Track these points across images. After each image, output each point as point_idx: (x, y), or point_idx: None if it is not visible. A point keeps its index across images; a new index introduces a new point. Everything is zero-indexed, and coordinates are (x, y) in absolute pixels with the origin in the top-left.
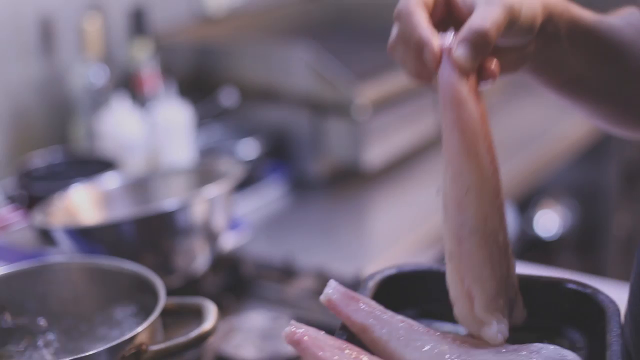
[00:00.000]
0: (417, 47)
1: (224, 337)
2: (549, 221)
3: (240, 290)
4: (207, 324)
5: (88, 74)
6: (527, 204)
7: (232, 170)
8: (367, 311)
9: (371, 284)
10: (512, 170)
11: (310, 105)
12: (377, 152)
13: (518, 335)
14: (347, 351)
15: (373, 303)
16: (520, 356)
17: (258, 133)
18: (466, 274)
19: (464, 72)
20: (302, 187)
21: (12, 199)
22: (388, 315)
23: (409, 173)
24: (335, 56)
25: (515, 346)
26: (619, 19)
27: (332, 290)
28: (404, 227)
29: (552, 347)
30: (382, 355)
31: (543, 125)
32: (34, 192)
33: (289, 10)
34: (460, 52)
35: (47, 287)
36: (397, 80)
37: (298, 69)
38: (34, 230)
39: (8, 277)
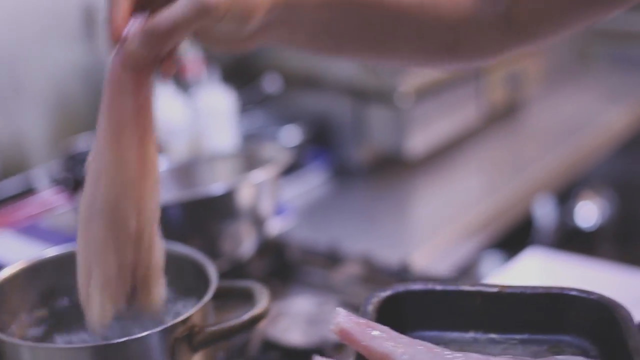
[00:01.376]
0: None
1: (270, 322)
2: (589, 212)
3: (286, 276)
4: (260, 307)
5: None
6: (567, 195)
7: (278, 155)
8: (383, 337)
9: (371, 308)
10: (554, 162)
11: (353, 92)
12: (420, 139)
13: (529, 349)
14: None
15: (387, 328)
16: None
17: (301, 120)
18: (89, 252)
19: (131, 62)
20: (344, 174)
21: (56, 182)
22: (405, 339)
23: (451, 161)
24: None
25: None
26: None
27: (343, 319)
28: (447, 215)
29: (578, 358)
30: None
31: (586, 116)
32: (79, 175)
33: None
34: (131, 43)
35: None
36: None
37: None
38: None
39: (58, 259)
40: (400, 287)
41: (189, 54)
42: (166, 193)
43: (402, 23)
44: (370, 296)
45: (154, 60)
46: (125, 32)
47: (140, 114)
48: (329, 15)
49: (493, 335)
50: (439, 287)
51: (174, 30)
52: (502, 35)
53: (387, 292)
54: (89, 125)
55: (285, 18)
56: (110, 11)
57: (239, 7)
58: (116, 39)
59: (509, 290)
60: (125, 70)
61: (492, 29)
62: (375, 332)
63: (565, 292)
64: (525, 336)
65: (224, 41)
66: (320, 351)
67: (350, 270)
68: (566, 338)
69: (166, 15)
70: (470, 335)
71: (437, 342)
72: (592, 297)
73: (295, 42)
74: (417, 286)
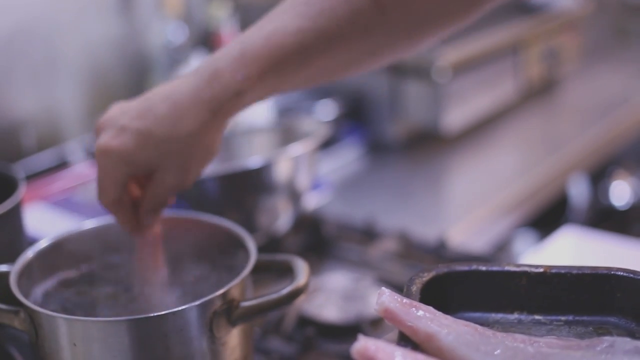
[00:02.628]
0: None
1: (306, 298)
2: (623, 191)
3: (322, 251)
4: (300, 281)
5: (166, 32)
6: (602, 174)
7: (315, 129)
8: (428, 317)
9: (415, 289)
10: (589, 140)
11: (389, 66)
12: (456, 115)
13: (574, 331)
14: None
15: (431, 308)
16: (597, 352)
17: (336, 94)
18: None
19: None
20: (379, 150)
21: (91, 155)
22: (450, 320)
23: (487, 137)
24: None
25: (585, 341)
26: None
27: (388, 298)
28: (483, 192)
29: (625, 339)
30: None
31: (621, 95)
32: None
33: None
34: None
35: (132, 241)
36: (478, 44)
37: None
38: None
39: (93, 232)
40: (444, 268)
41: (226, 27)
42: None
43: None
44: (415, 276)
45: None
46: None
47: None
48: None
49: (538, 317)
50: (483, 268)
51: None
52: None
53: (432, 273)
54: (124, 98)
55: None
56: (123, 226)
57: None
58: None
59: (554, 271)
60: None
61: None
62: (420, 312)
63: (613, 272)
64: (570, 317)
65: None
66: (356, 327)
67: (386, 246)
68: (612, 319)
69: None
70: (515, 316)
71: (480, 323)
72: (638, 277)
73: (293, 87)
74: (461, 267)
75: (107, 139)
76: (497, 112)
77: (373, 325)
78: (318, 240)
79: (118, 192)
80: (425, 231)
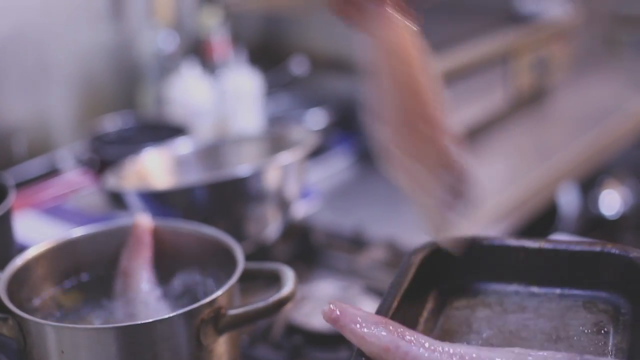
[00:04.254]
0: None
1: (294, 306)
2: (613, 201)
3: (311, 259)
4: (286, 290)
5: (157, 40)
6: (591, 183)
7: (304, 138)
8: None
9: (415, 259)
10: (578, 149)
11: None
12: (446, 124)
13: (564, 302)
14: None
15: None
16: None
17: (327, 102)
18: None
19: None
20: (368, 159)
21: (81, 163)
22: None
23: (478, 146)
24: None
25: None
26: None
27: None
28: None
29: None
30: None
31: (611, 104)
32: (105, 156)
33: None
34: None
35: (122, 250)
36: (468, 53)
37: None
38: (106, 193)
39: (83, 239)
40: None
41: (216, 35)
42: (192, 175)
43: None
44: (417, 247)
45: None
46: None
47: None
48: None
49: (533, 288)
50: (484, 241)
51: None
52: None
53: (434, 245)
54: (115, 106)
55: None
56: None
57: None
58: None
59: (550, 246)
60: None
61: None
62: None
63: (605, 249)
64: (564, 291)
65: None
66: (343, 336)
67: (374, 255)
68: (601, 294)
69: None
70: (513, 287)
71: (479, 292)
72: (630, 255)
73: None
74: (464, 240)
75: None
76: (487, 121)
77: None
78: (307, 248)
79: None
80: (414, 240)
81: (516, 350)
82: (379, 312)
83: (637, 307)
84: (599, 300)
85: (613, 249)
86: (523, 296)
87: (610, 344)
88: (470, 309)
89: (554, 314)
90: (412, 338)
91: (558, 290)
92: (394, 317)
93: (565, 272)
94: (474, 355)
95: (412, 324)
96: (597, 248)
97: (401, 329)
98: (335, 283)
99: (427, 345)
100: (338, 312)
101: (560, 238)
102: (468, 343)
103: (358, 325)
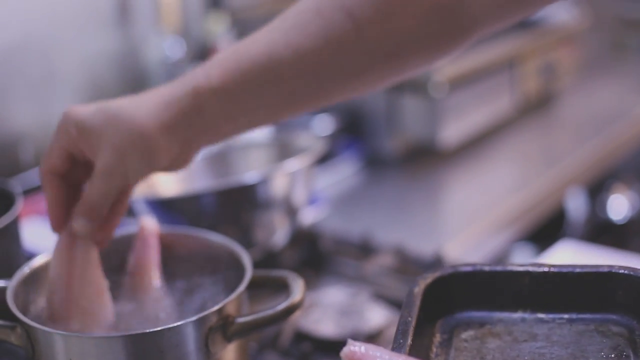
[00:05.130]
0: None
1: (302, 312)
2: (621, 205)
3: (319, 266)
4: (295, 297)
5: (164, 47)
6: (599, 188)
7: (312, 144)
8: None
9: (417, 290)
10: (586, 154)
11: None
12: (454, 130)
13: (575, 327)
14: None
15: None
16: None
17: (333, 109)
18: None
19: (80, 237)
20: (376, 164)
21: None
22: None
23: (484, 152)
24: None
25: None
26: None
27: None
28: (480, 206)
29: None
30: None
31: (618, 109)
32: None
33: None
34: (77, 224)
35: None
36: (475, 58)
37: None
38: None
39: None
40: (448, 269)
41: (223, 42)
42: (200, 181)
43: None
44: (419, 278)
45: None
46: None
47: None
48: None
49: (541, 315)
50: (486, 268)
51: (104, 202)
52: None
53: (435, 274)
54: None
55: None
56: (48, 210)
57: (141, 158)
58: (59, 229)
59: (556, 270)
60: (74, 240)
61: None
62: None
63: (614, 270)
64: (572, 315)
65: (174, 167)
66: None
67: (382, 261)
68: (613, 317)
69: (89, 195)
70: (518, 315)
71: (485, 322)
72: (639, 275)
73: (260, 121)
74: (465, 268)
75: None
76: (494, 127)
77: (369, 341)
78: (314, 255)
79: (60, 159)
80: (422, 246)
81: None
82: (396, 350)
83: None
84: (611, 323)
85: (621, 269)
86: (531, 323)
87: None
88: (479, 341)
89: (568, 340)
90: None
91: (566, 315)
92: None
93: (573, 295)
94: None
95: None
96: (605, 269)
97: None
98: (343, 290)
99: None
100: (360, 354)
101: (566, 256)
102: None
103: None
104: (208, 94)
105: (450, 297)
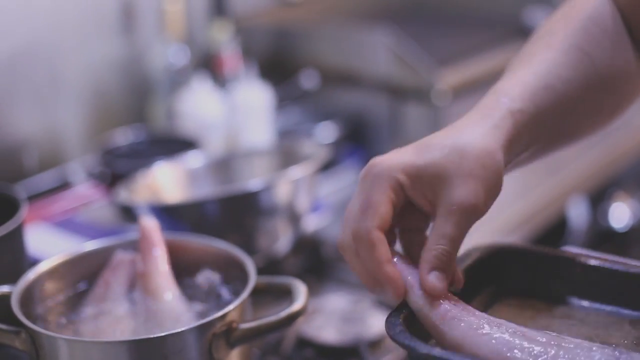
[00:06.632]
0: (376, 275)
1: (305, 319)
2: (622, 214)
3: (321, 273)
4: (298, 304)
5: (168, 54)
6: (601, 196)
7: (315, 152)
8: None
9: (465, 264)
10: (588, 162)
11: (389, 89)
12: None
13: (610, 318)
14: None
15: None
16: None
17: (337, 116)
18: None
19: (438, 296)
20: None
21: (93, 176)
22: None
23: None
24: (415, 41)
25: None
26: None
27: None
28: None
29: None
30: None
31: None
32: (116, 169)
33: None
34: (431, 281)
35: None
36: (478, 66)
37: (378, 52)
38: (117, 206)
39: (94, 253)
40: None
41: (227, 50)
42: (203, 188)
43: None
44: (472, 249)
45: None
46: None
47: None
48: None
49: (584, 302)
50: (543, 250)
51: (456, 246)
52: None
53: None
54: (126, 119)
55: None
56: (386, 275)
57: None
58: (402, 294)
59: (607, 265)
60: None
61: None
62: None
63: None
64: (613, 308)
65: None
66: (355, 349)
67: None
68: None
69: (440, 240)
70: (565, 298)
71: (532, 296)
72: None
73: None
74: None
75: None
76: None
77: (372, 347)
78: (317, 262)
79: (388, 213)
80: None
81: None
82: None
83: None
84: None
85: None
86: (573, 307)
87: None
88: (519, 308)
89: (599, 325)
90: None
91: (608, 308)
92: None
93: (619, 291)
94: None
95: None
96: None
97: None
98: (345, 296)
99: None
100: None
101: (614, 258)
102: None
103: None
104: (522, 132)
105: (504, 269)
